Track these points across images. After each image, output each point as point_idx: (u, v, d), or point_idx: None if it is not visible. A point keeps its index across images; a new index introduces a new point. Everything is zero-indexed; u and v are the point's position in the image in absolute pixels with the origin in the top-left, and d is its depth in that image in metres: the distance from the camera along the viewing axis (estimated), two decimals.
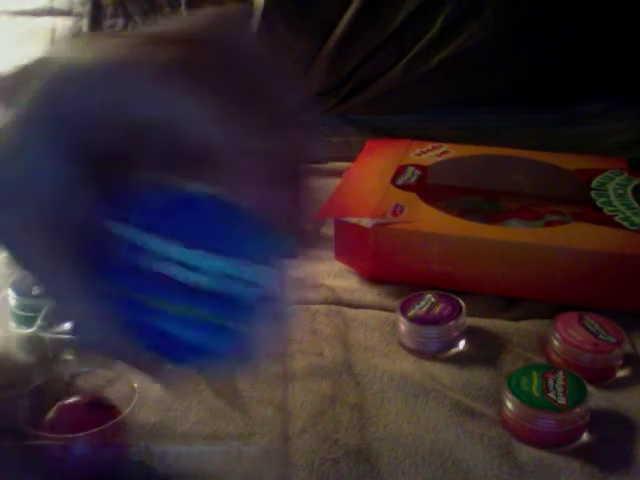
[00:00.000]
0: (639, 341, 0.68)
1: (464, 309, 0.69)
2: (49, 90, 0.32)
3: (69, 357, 0.64)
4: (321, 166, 1.03)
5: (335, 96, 1.05)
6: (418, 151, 0.92)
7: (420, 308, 0.69)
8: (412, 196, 0.81)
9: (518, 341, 0.69)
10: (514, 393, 0.58)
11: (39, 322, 0.67)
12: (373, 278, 0.79)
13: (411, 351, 0.67)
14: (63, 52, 0.34)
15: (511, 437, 0.58)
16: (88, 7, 1.06)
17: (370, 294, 0.77)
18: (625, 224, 0.75)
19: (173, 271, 0.32)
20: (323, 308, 0.74)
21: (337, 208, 0.81)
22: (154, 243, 0.32)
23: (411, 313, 0.68)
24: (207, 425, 0.59)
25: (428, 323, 0.67)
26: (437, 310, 0.68)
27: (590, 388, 0.59)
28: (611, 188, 0.82)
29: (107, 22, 1.06)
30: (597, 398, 0.61)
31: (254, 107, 0.33)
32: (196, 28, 0.34)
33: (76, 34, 1.04)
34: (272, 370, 0.64)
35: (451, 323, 0.67)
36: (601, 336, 0.65)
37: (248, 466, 0.55)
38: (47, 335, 0.64)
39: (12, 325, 0.69)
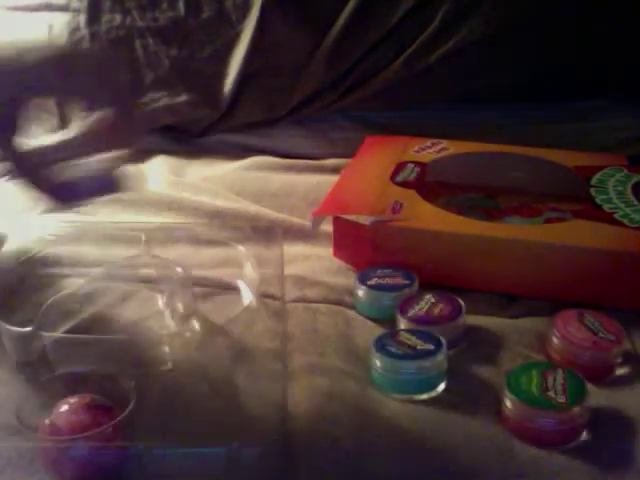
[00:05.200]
0: (639, 339, 0.68)
1: (464, 309, 0.69)
2: None
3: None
4: (320, 162, 1.03)
5: (334, 92, 1.05)
6: (417, 148, 0.92)
7: (420, 308, 0.69)
8: (411, 193, 0.81)
9: (517, 339, 0.69)
10: (513, 392, 0.58)
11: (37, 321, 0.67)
12: None
13: None
14: None
15: (511, 436, 0.58)
16: (85, 2, 1.06)
17: None
18: (625, 221, 0.75)
19: None
20: (323, 307, 0.74)
21: (336, 205, 0.81)
22: None
23: (411, 313, 0.68)
24: (206, 424, 0.58)
25: (428, 323, 0.67)
26: (437, 310, 0.68)
27: (590, 386, 0.59)
28: (611, 185, 0.82)
29: (105, 17, 1.06)
30: (597, 396, 0.61)
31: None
32: None
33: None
34: (272, 369, 0.64)
35: (451, 323, 0.67)
36: (601, 334, 0.65)
37: (248, 466, 0.55)
38: (45, 334, 0.64)
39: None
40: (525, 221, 0.83)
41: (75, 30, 1.05)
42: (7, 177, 1.05)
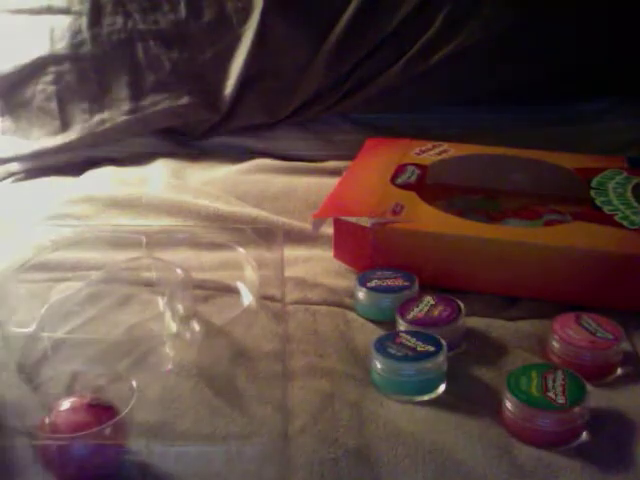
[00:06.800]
0: (638, 340, 0.68)
1: (463, 311, 0.69)
2: None
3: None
4: (321, 165, 1.03)
5: (334, 94, 1.05)
6: (418, 150, 0.92)
7: (419, 310, 0.69)
8: (412, 195, 0.81)
9: (517, 341, 0.69)
10: (513, 393, 0.58)
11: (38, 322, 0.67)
12: None
13: None
14: None
15: (511, 437, 0.58)
16: (87, 5, 1.06)
17: None
18: (624, 223, 0.75)
19: None
20: (323, 308, 0.74)
21: (337, 207, 0.81)
22: None
23: (411, 315, 0.68)
24: (207, 425, 0.59)
25: (428, 325, 0.67)
26: (436, 312, 0.68)
27: (590, 387, 0.59)
28: (610, 187, 0.82)
29: (106, 20, 1.06)
30: (597, 397, 0.61)
31: None
32: None
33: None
34: (272, 369, 0.64)
35: (451, 325, 0.67)
36: (599, 334, 0.65)
37: (248, 466, 0.55)
38: (46, 335, 0.64)
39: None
40: (525, 223, 0.83)
41: (76, 33, 1.05)
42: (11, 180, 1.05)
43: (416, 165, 0.88)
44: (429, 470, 0.55)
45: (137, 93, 1.05)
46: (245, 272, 0.77)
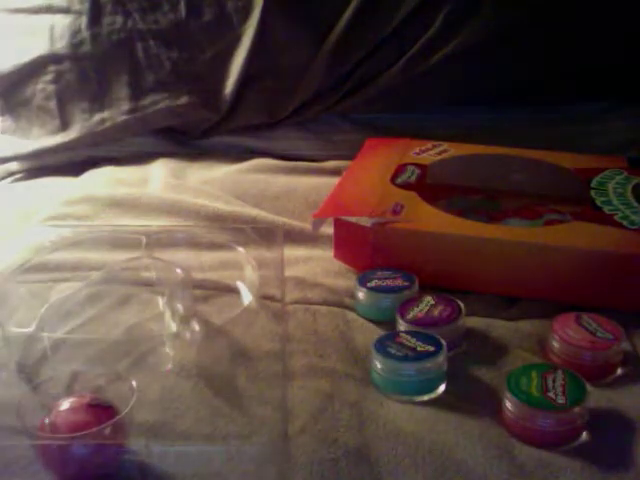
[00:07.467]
0: (639, 340, 0.68)
1: (463, 311, 0.69)
2: None
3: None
4: (321, 165, 1.03)
5: (335, 94, 1.05)
6: (418, 150, 0.92)
7: (419, 310, 0.69)
8: (412, 195, 0.81)
9: (517, 341, 0.69)
10: (513, 393, 0.58)
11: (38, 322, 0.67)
12: None
13: None
14: None
15: (510, 437, 0.58)
16: (87, 4, 1.06)
17: None
18: (624, 223, 0.75)
19: None
20: (323, 308, 0.74)
21: (337, 207, 0.81)
22: None
23: (411, 315, 0.68)
24: (207, 425, 0.59)
25: (428, 325, 0.67)
26: (436, 312, 0.68)
27: (590, 387, 0.59)
28: (611, 187, 0.82)
29: (106, 19, 1.06)
30: (597, 397, 0.61)
31: None
32: None
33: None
34: (272, 369, 0.64)
35: (451, 325, 0.67)
36: (599, 334, 0.65)
37: (248, 466, 0.55)
38: (46, 335, 0.64)
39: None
40: (525, 223, 0.83)
41: (76, 32, 1.05)
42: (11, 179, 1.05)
43: (416, 165, 0.88)
44: (429, 470, 0.55)
45: (137, 93, 1.05)
46: (245, 272, 0.77)
